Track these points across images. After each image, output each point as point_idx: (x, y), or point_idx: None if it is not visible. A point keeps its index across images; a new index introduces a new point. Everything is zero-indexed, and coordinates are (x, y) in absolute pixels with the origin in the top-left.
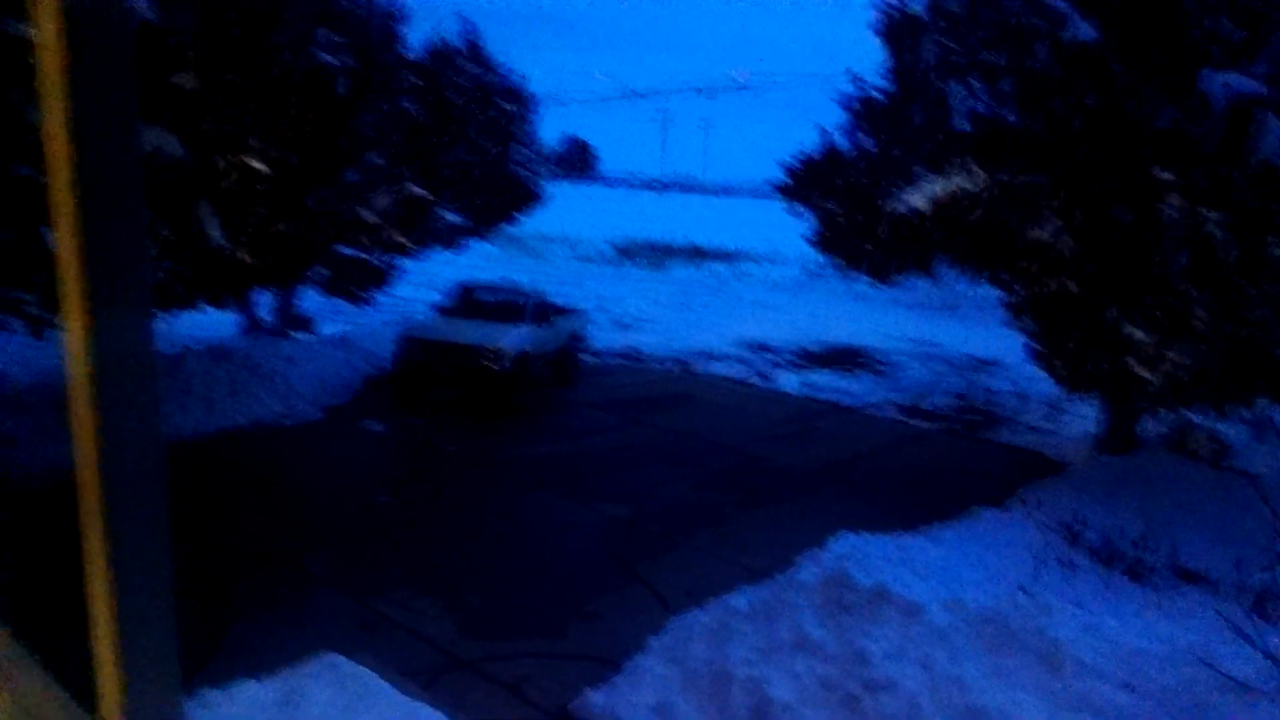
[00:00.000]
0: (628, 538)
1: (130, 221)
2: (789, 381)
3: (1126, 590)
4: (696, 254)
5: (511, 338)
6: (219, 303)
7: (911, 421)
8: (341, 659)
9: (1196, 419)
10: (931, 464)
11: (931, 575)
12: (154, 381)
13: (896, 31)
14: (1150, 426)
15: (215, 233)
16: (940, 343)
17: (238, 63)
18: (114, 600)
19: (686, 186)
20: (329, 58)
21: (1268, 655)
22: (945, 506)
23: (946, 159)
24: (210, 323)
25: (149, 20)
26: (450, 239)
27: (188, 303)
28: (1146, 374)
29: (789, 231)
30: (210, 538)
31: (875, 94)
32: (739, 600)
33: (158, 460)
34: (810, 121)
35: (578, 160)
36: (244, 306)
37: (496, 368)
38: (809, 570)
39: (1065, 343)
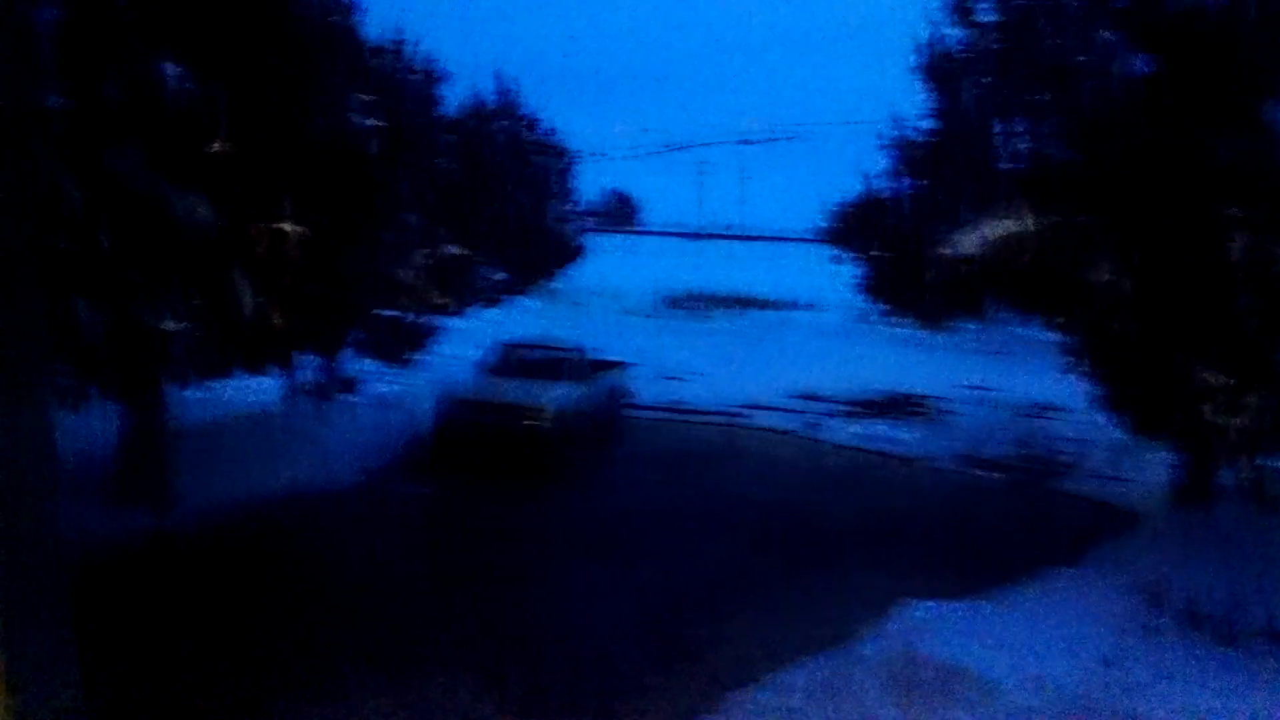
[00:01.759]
0: (676, 607)
1: (21, 314)
2: (840, 432)
3: (1217, 657)
4: (742, 303)
5: (552, 396)
6: (257, 369)
7: (971, 472)
8: None
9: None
10: (997, 519)
11: (1006, 647)
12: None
13: (935, 72)
14: (1228, 476)
15: (248, 299)
16: (996, 388)
17: (270, 128)
18: None
19: (730, 235)
20: (361, 119)
21: None
22: (1015, 567)
23: (993, 200)
24: (251, 389)
25: (183, 90)
26: (492, 296)
27: (224, 371)
28: (1223, 421)
29: (835, 279)
30: (240, 610)
31: (916, 136)
32: (797, 676)
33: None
34: (854, 167)
35: (620, 213)
36: (284, 372)
37: (537, 427)
38: (872, 643)
39: (1131, 388)
